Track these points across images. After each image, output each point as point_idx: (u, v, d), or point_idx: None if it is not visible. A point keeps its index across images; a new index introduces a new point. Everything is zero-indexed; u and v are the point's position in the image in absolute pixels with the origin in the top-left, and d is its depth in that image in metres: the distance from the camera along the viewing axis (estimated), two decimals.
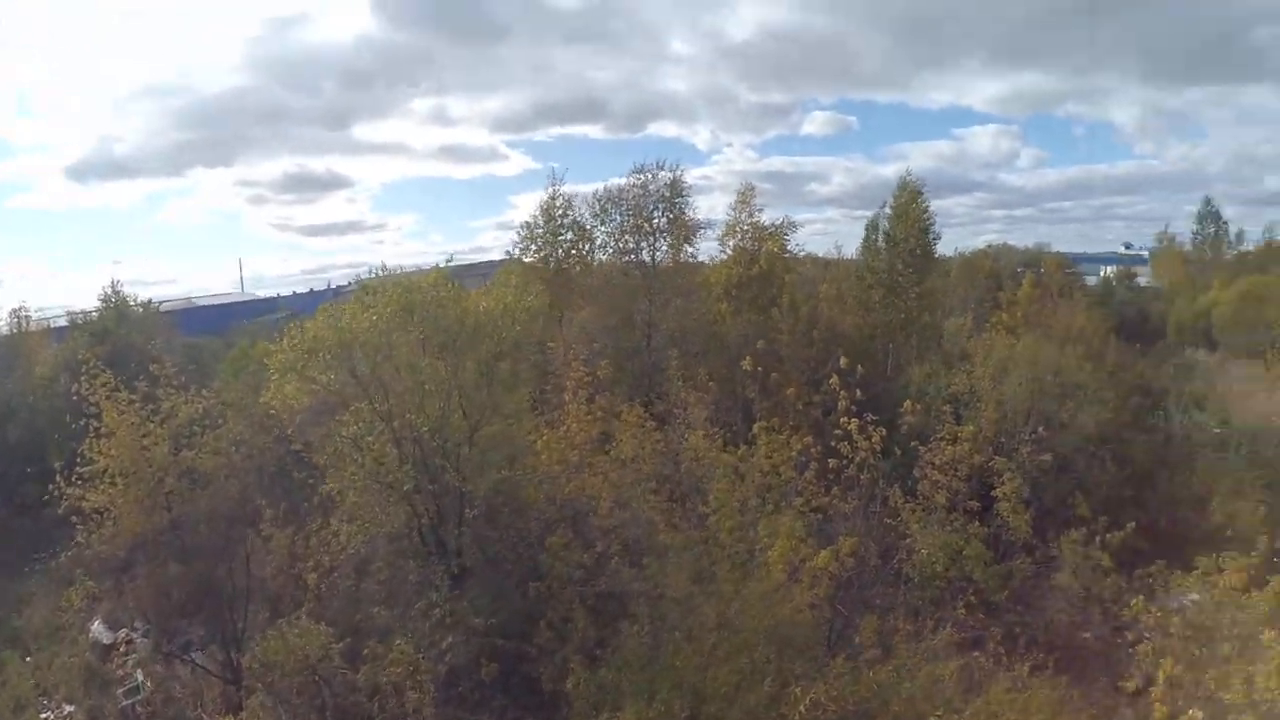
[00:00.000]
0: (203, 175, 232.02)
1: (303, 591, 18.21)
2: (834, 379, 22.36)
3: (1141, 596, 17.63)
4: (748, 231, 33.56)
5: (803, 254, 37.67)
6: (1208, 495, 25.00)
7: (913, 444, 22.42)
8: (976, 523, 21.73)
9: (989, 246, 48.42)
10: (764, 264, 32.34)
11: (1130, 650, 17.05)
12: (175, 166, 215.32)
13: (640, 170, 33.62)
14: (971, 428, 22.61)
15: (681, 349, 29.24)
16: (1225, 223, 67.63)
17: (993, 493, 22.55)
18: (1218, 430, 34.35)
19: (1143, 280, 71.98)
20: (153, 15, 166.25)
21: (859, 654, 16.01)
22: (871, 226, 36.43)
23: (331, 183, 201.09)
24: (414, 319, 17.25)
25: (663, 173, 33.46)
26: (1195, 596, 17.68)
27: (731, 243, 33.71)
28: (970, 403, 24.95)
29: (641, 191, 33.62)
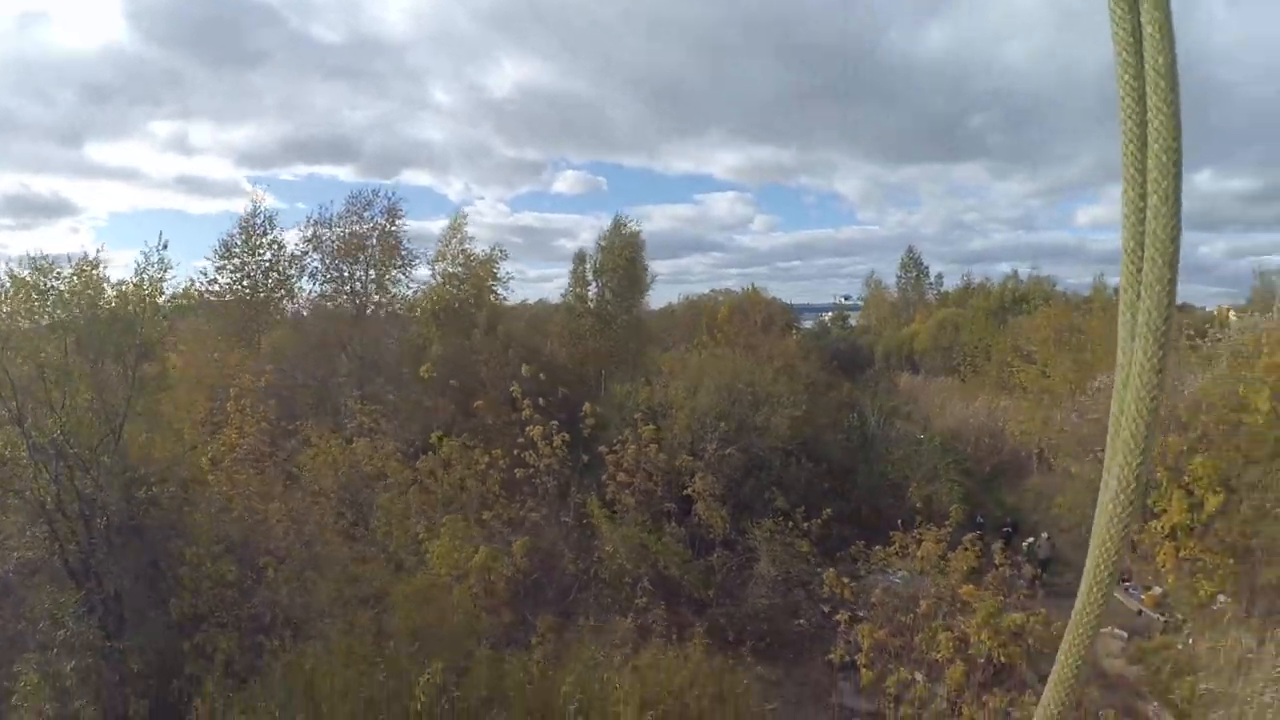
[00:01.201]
0: None
1: None
2: (514, 388, 22.48)
3: (833, 570, 18.69)
4: (457, 258, 33.20)
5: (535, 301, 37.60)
6: (904, 483, 26.98)
7: (599, 449, 22.47)
8: (674, 523, 22.33)
9: (712, 291, 50.90)
10: (471, 288, 32.11)
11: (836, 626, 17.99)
12: None
13: (357, 198, 32.90)
14: (651, 428, 23.00)
15: (386, 374, 28.37)
16: (926, 268, 74.67)
17: (685, 492, 22.94)
18: (922, 436, 36.89)
19: (855, 322, 78.67)
20: None
21: (526, 649, 15.94)
22: (579, 260, 37.03)
23: (56, 208, 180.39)
24: (47, 303, 15.72)
25: (379, 199, 32.90)
26: (904, 573, 19.04)
27: (440, 267, 33.20)
28: (664, 412, 25.46)
29: (356, 219, 32.73)
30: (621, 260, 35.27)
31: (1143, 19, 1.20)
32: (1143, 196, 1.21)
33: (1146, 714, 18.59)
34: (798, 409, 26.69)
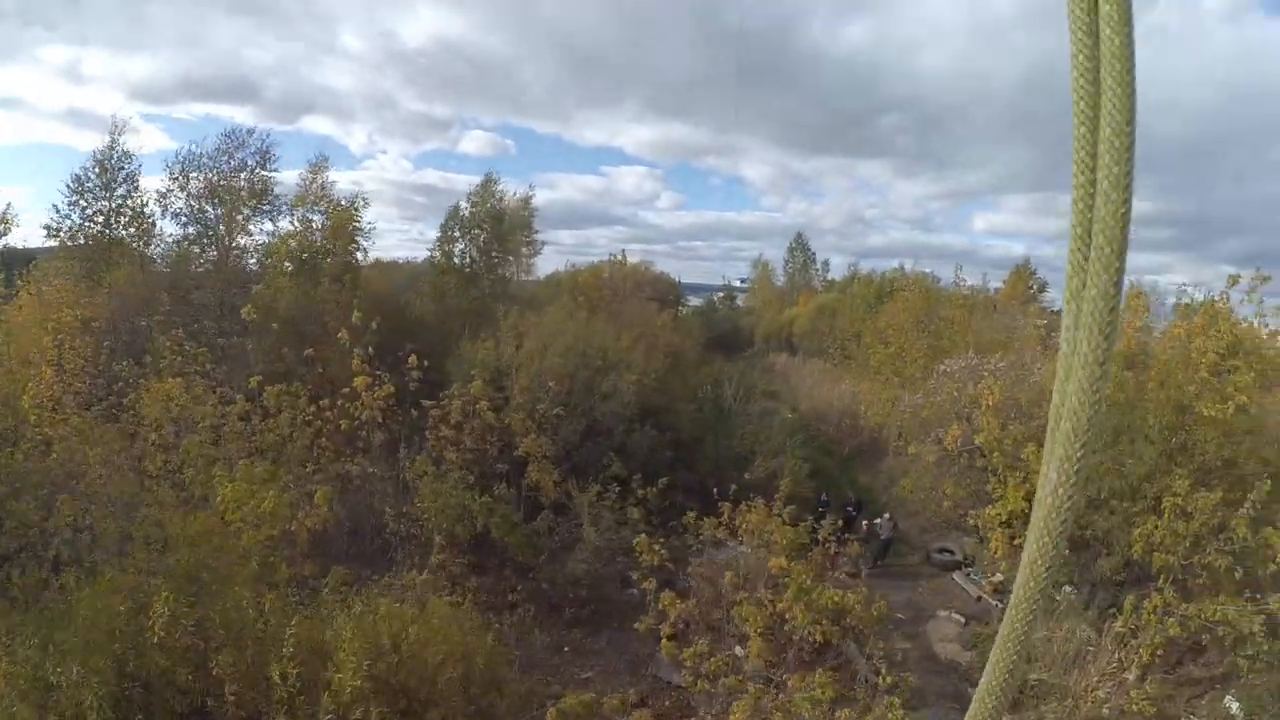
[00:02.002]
0: None
1: None
2: (342, 334, 20.34)
3: (644, 536, 17.41)
4: (318, 203, 30.35)
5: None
6: (751, 457, 25.65)
7: (425, 403, 20.33)
8: (507, 485, 20.82)
9: (598, 262, 48.90)
10: (330, 236, 29.37)
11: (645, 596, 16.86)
12: None
13: (230, 136, 29.93)
14: (478, 384, 21.46)
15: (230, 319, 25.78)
16: (813, 254, 73.31)
17: (516, 452, 21.17)
18: (790, 415, 36.56)
19: (742, 303, 77.13)
20: None
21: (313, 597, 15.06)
22: (450, 215, 34.55)
23: None
24: None
25: (252, 139, 30.00)
26: (746, 548, 17.77)
27: (300, 212, 30.27)
28: (508, 372, 23.37)
29: (227, 159, 29.79)
30: (489, 219, 32.84)
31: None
32: (1092, 182, 1.14)
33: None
34: (647, 377, 24.83)
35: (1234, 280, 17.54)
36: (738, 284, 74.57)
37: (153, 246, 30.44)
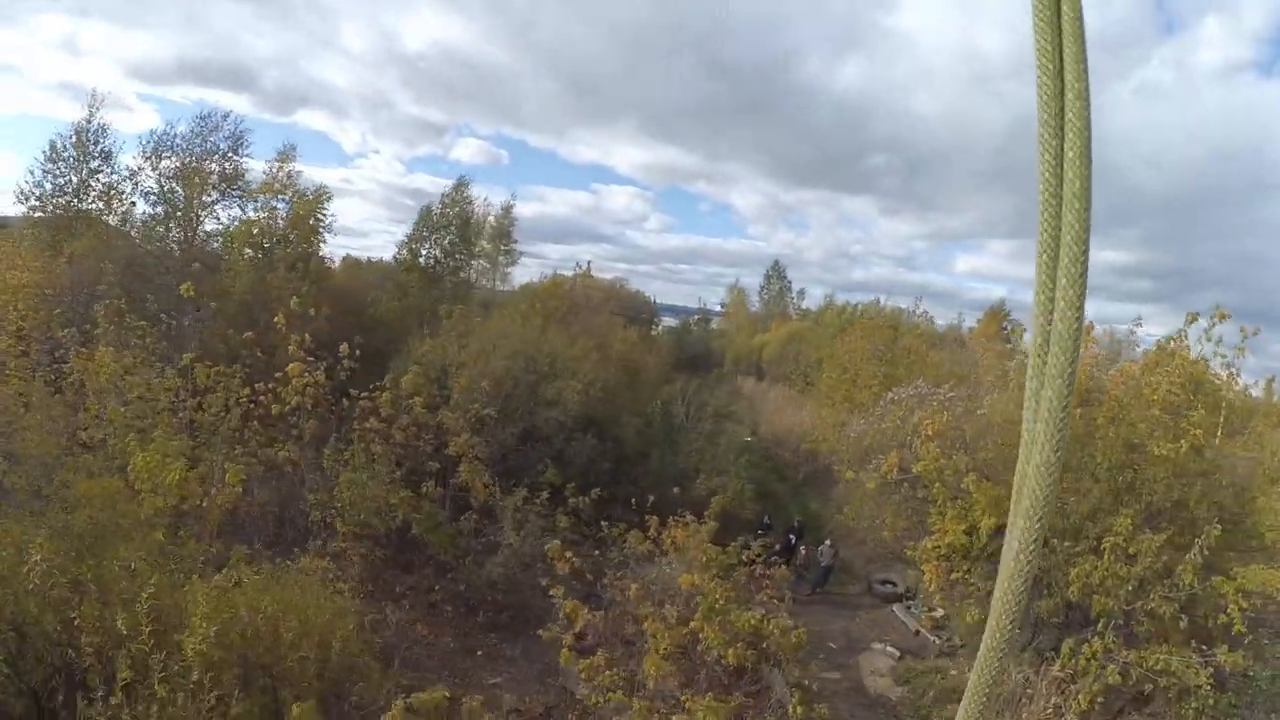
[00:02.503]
0: None
1: None
2: (279, 318, 19.38)
3: (557, 543, 16.28)
4: (283, 191, 29.11)
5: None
6: (694, 474, 24.44)
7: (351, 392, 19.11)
8: (436, 484, 19.94)
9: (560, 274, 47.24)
10: (292, 224, 28.18)
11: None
12: None
13: (205, 119, 28.80)
14: (410, 376, 20.50)
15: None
16: (789, 282, 72.60)
17: (446, 450, 20.05)
18: (748, 438, 35.69)
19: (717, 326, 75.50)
20: None
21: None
22: (424, 216, 33.31)
23: None
24: None
25: (226, 123, 28.87)
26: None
27: (264, 199, 29.03)
28: (451, 371, 22.19)
29: (201, 141, 28.62)
30: (457, 221, 31.68)
31: (1065, 146, 1.23)
32: (1051, 299, 1.25)
33: None
34: (593, 387, 23.65)
35: (1193, 317, 16.35)
36: (716, 308, 73.85)
37: (126, 225, 29.20)
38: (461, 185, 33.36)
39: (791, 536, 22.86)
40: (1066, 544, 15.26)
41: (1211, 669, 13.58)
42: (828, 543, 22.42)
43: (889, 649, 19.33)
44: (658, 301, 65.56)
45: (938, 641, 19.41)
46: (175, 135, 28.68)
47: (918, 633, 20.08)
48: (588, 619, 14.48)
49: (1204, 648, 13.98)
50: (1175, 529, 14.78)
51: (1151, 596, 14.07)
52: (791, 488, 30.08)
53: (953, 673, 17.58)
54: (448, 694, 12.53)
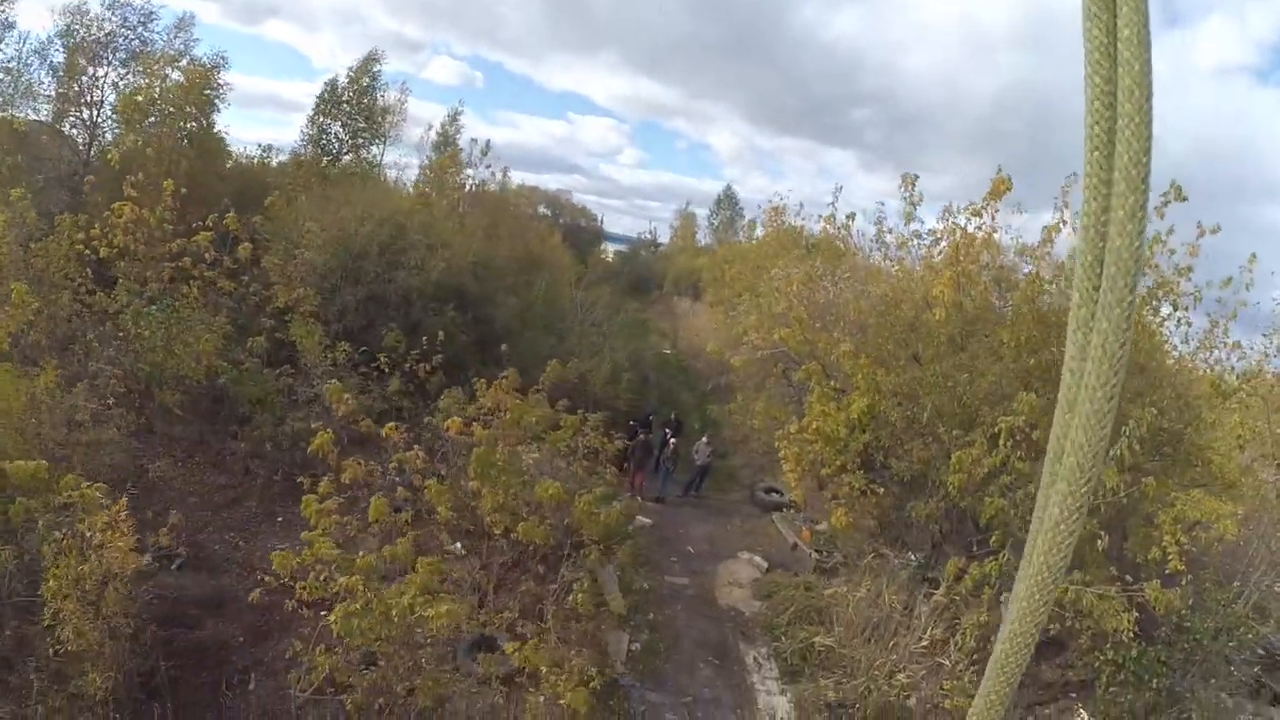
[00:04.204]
0: None
1: None
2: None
3: (336, 382, 12.40)
4: (176, 61, 24.17)
5: None
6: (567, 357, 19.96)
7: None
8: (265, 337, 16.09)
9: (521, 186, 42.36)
10: (182, 94, 23.43)
11: None
12: None
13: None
14: (232, 217, 16.31)
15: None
16: (741, 209, 65.47)
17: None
18: (667, 351, 33.24)
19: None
20: None
21: None
22: (329, 90, 28.26)
23: None
24: None
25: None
26: None
27: (156, 69, 24.03)
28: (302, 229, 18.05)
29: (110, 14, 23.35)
30: (361, 97, 26.96)
31: (1119, 22, 0.94)
32: (1105, 209, 0.93)
33: (744, 658, 12.08)
34: (464, 259, 19.49)
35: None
36: (664, 236, 68.78)
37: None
38: (370, 60, 28.24)
39: (666, 432, 18.76)
40: (954, 432, 11.25)
41: (1135, 614, 9.83)
42: (704, 440, 18.40)
43: (756, 560, 15.55)
44: (611, 231, 61.80)
45: (815, 556, 15.52)
46: (87, 13, 23.57)
47: (795, 546, 16.25)
48: (356, 470, 10.41)
49: (1128, 579, 10.17)
50: None
51: None
52: (696, 396, 26.06)
53: (828, 592, 13.70)
54: None
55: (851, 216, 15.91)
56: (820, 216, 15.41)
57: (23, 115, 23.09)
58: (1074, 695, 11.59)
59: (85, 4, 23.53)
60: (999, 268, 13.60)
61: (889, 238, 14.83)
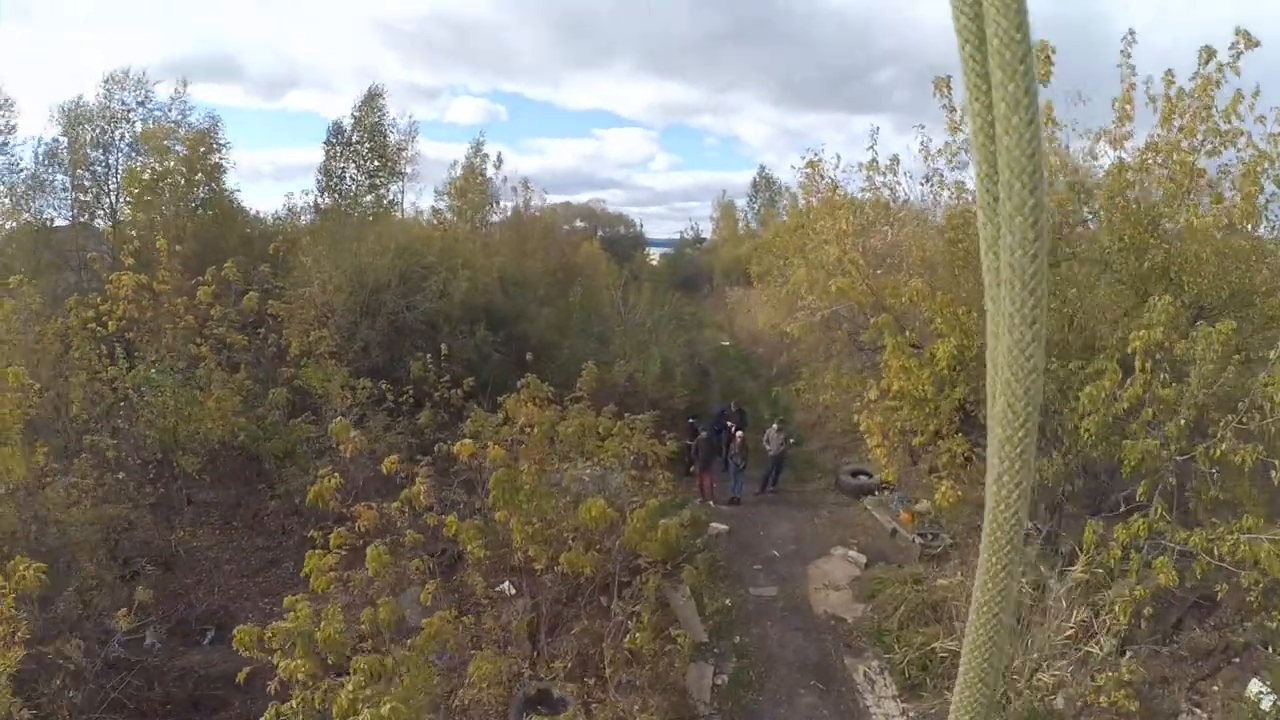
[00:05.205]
0: None
1: None
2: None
3: (343, 419, 10.52)
4: (173, 131, 23.29)
5: None
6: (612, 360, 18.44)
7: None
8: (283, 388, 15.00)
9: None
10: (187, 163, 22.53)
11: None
12: None
13: (111, 79, 22.51)
14: (230, 266, 15.13)
15: None
16: (780, 187, 61.52)
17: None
18: (725, 344, 31.82)
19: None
20: None
21: None
22: (335, 132, 27.03)
23: None
24: None
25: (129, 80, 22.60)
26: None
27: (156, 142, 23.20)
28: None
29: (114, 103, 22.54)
30: (370, 134, 25.61)
31: None
32: (989, 108, 0.72)
33: (852, 676, 10.02)
34: (488, 276, 17.92)
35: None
36: (708, 236, 65.74)
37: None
38: (374, 96, 26.69)
39: (729, 425, 16.58)
40: (1070, 364, 8.94)
41: None
42: (774, 427, 16.16)
43: (852, 555, 13.36)
44: (655, 236, 59.79)
45: (919, 542, 13.26)
46: (85, 104, 22.72)
47: (894, 532, 13.97)
48: (369, 517, 8.68)
49: None
50: (1240, 335, 8.39)
51: (1217, 436, 7.79)
52: (762, 384, 23.86)
53: (940, 582, 11.50)
54: None
55: (895, 159, 13.68)
56: (861, 165, 13.07)
57: (46, 215, 22.66)
58: (1237, 660, 9.35)
59: (81, 99, 22.98)
60: (1072, 171, 11.35)
61: (939, 162, 12.50)
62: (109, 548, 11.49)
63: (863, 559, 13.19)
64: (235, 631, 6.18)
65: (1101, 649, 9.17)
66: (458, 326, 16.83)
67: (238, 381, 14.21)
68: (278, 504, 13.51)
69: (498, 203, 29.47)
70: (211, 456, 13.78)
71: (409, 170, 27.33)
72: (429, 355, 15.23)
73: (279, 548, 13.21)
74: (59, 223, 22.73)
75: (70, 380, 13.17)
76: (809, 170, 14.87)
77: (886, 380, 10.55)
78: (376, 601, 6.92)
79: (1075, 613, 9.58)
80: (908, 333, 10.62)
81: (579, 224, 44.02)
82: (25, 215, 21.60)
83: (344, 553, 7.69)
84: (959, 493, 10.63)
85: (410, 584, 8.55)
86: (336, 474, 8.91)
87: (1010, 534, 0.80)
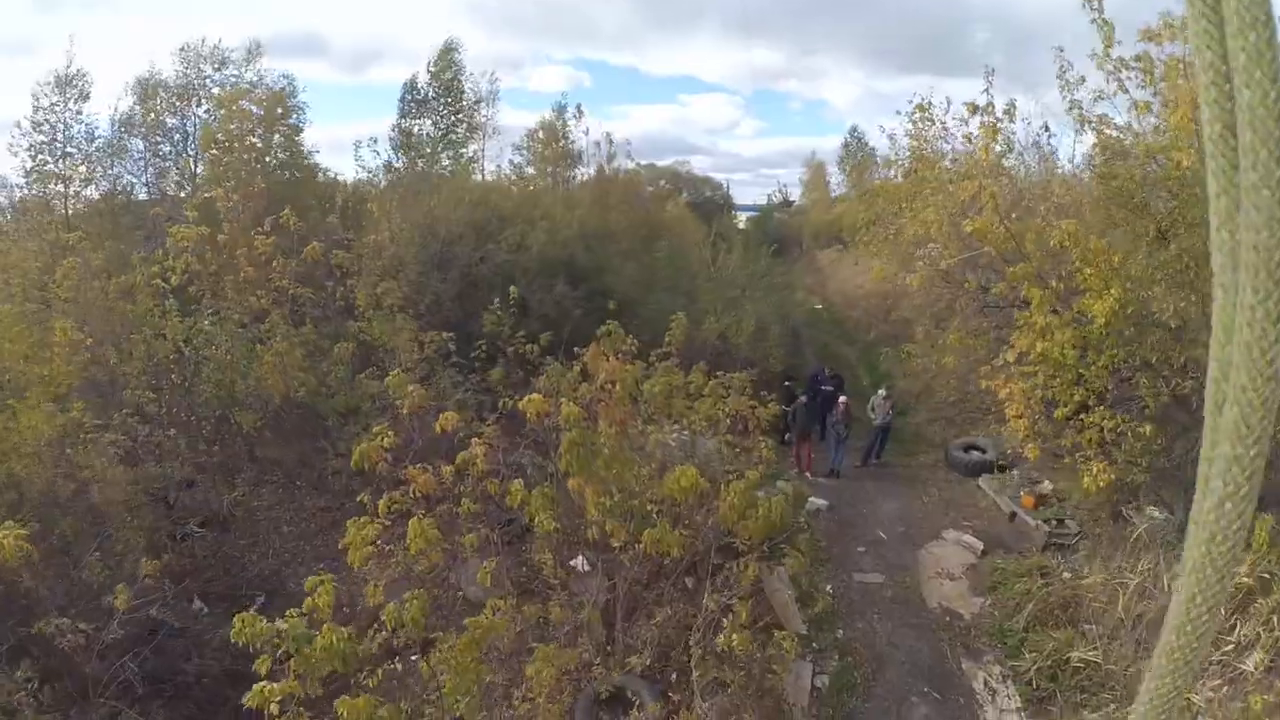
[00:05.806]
0: None
1: None
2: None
3: (400, 372, 10.00)
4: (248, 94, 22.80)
5: None
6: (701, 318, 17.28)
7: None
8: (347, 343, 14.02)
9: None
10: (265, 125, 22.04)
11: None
12: None
13: (184, 48, 22.27)
14: (288, 214, 14.08)
15: None
16: (872, 150, 57.84)
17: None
18: (818, 307, 30.42)
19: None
20: None
21: None
22: (409, 88, 26.07)
23: None
24: None
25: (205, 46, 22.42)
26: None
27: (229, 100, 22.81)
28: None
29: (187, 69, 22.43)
30: (448, 90, 24.54)
31: None
32: (1224, 59, 0.59)
33: (972, 683, 8.59)
34: (570, 228, 16.84)
35: None
36: (797, 200, 62.93)
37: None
38: (449, 50, 25.55)
39: (829, 389, 15.02)
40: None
41: None
42: (881, 394, 14.51)
43: (967, 539, 11.78)
44: (742, 202, 57.52)
45: (1044, 528, 11.61)
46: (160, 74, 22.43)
47: (1014, 516, 12.30)
48: (424, 481, 7.63)
49: None
50: None
51: None
52: (859, 349, 22.13)
53: (1065, 575, 9.91)
54: None
55: (1013, 103, 11.74)
56: (976, 107, 11.16)
57: (125, 182, 22.48)
58: None
59: (155, 67, 22.65)
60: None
61: (1079, 93, 10.51)
62: (159, 509, 10.91)
63: (979, 545, 11.62)
64: (235, 620, 5.14)
65: (1256, 665, 7.52)
66: (535, 280, 15.75)
67: (303, 335, 13.44)
68: (340, 463, 12.77)
69: (581, 162, 28.56)
70: (274, 414, 13.12)
71: (490, 129, 26.37)
72: (503, 306, 14.26)
73: (340, 509, 12.49)
74: (138, 192, 22.65)
75: (132, 337, 12.62)
76: (919, 113, 13.13)
77: (1026, 341, 8.91)
78: (407, 597, 5.77)
79: (1239, 627, 7.93)
80: (1054, 284, 8.92)
81: (663, 184, 42.44)
82: (104, 183, 21.46)
83: (389, 523, 6.68)
84: (1110, 475, 8.96)
85: (471, 556, 7.50)
86: (391, 432, 7.88)
87: (1223, 571, 0.66)
